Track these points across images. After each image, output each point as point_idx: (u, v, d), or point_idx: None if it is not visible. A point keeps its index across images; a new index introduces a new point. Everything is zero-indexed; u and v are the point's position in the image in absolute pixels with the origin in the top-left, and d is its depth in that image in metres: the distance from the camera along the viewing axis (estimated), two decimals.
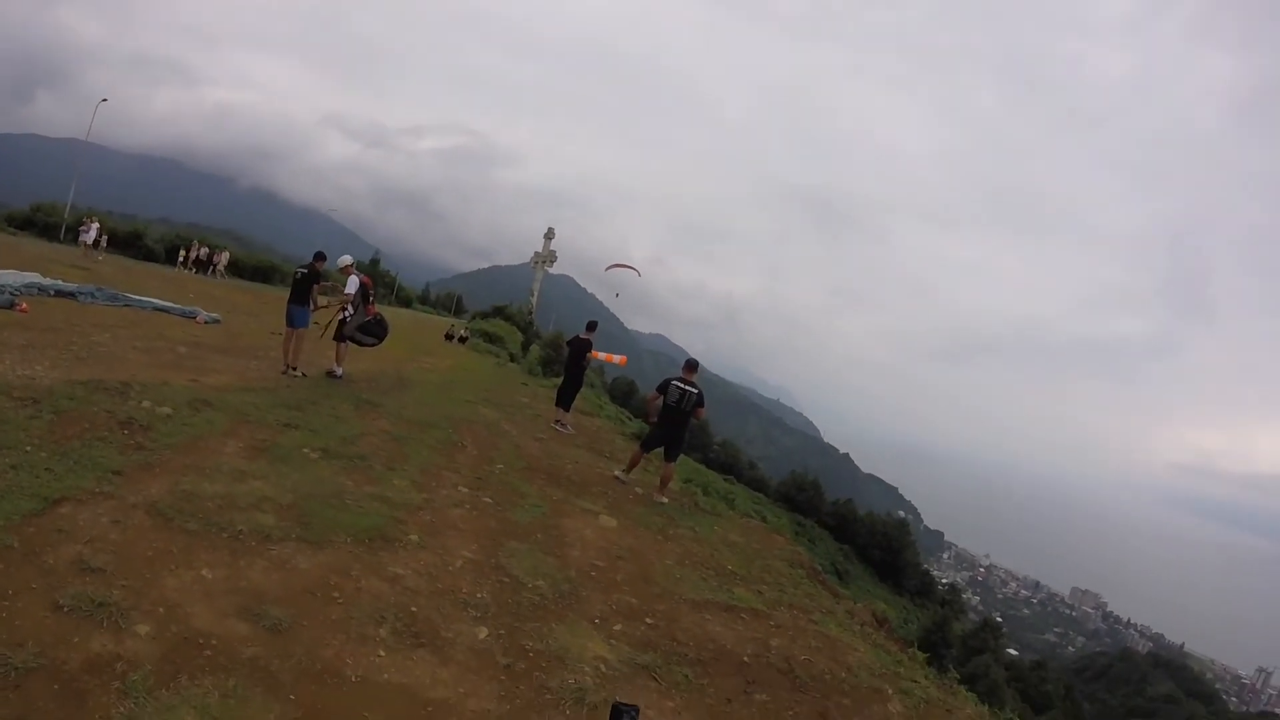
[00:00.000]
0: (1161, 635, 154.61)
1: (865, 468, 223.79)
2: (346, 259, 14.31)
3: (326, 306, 14.15)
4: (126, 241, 42.35)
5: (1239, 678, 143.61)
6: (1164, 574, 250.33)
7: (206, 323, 18.03)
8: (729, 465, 76.34)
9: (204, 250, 42.47)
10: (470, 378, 22.55)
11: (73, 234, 37.38)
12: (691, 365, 11.91)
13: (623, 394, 73.74)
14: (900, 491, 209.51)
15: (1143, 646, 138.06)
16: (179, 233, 50.39)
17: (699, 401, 11.51)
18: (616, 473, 12.09)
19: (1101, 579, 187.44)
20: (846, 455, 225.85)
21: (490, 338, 44.13)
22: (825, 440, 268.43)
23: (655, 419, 11.91)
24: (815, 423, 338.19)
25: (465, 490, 8.50)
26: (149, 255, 42.45)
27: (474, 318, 65.23)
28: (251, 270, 47.67)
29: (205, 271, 41.20)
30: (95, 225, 35.93)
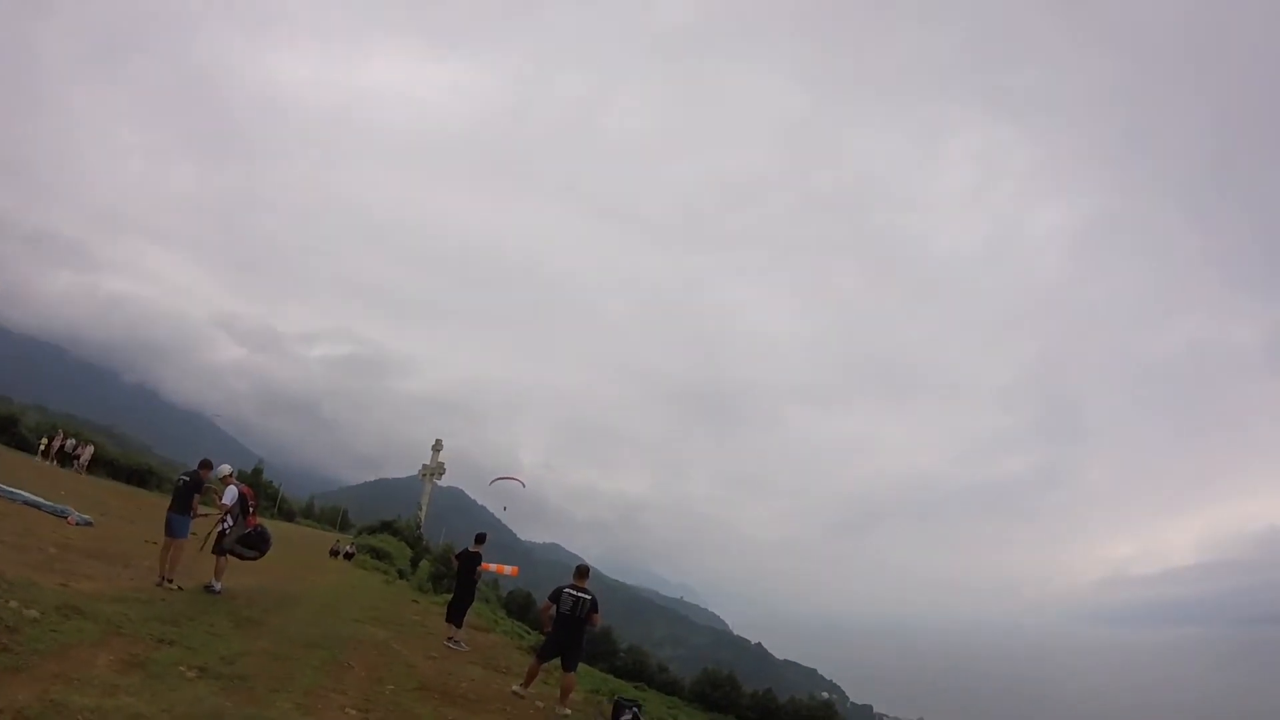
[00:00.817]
0: None
1: (779, 654, 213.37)
2: (226, 468, 13.94)
3: (205, 516, 13.60)
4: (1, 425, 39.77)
5: None
6: (1110, 693, 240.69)
7: (78, 524, 16.94)
8: (638, 671, 72.19)
9: (69, 441, 39.79)
10: (357, 595, 21.44)
11: None
12: (583, 571, 11.94)
13: (519, 606, 70.41)
14: (819, 672, 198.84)
15: None
16: (55, 422, 47.60)
17: (593, 607, 11.44)
18: (514, 688, 11.62)
19: (1050, 716, 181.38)
20: (759, 644, 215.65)
21: (378, 553, 42.24)
22: (735, 633, 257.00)
23: (550, 628, 11.69)
24: (722, 616, 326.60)
25: (353, 713, 8.02)
26: (22, 443, 39.61)
27: (360, 533, 62.63)
28: (128, 471, 44.91)
29: (68, 464, 38.34)
30: None
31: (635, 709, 7.05)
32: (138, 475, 45.63)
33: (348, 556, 37.23)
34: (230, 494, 13.36)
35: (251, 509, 13.89)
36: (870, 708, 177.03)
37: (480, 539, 16.23)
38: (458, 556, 16.57)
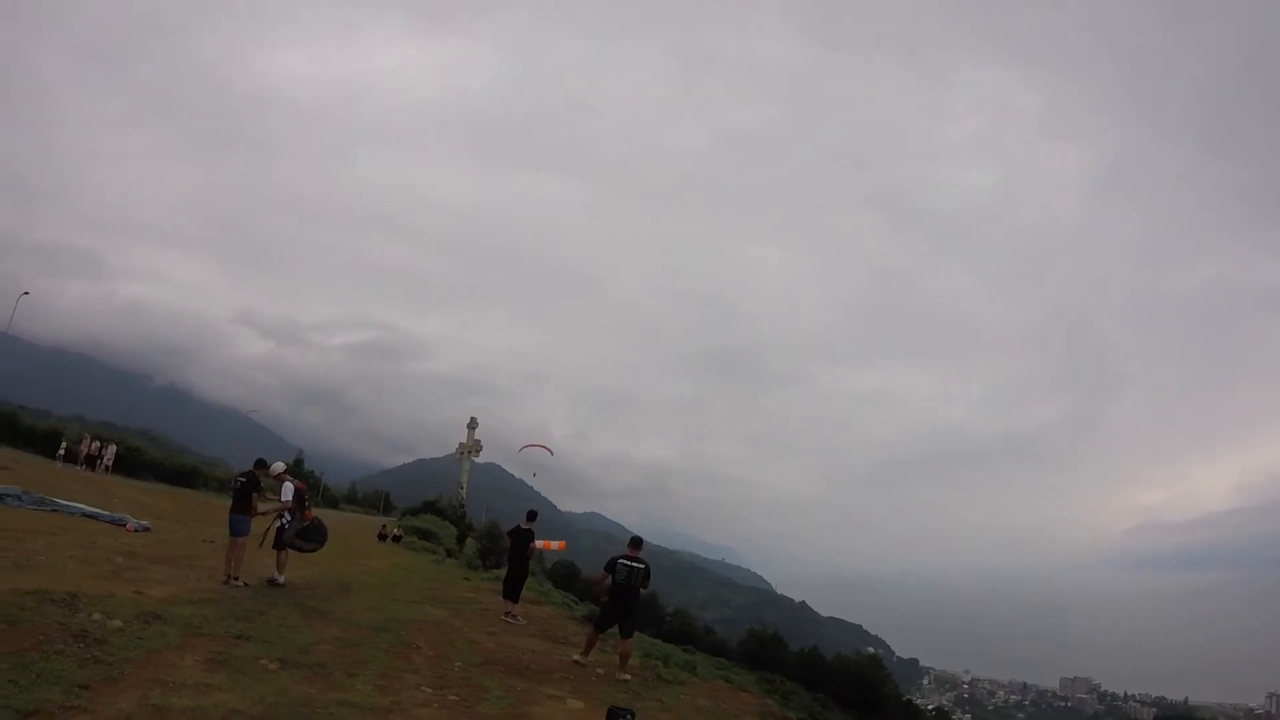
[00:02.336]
0: (1163, 697, 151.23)
1: (824, 612, 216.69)
2: (279, 465, 14.33)
3: (265, 514, 14.02)
4: (44, 439, 40.58)
5: (1251, 711, 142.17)
6: (1145, 637, 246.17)
7: (136, 530, 17.45)
8: (685, 634, 73.25)
9: (94, 444, 40.35)
10: (411, 577, 21.99)
11: None
12: (636, 542, 12.25)
13: (564, 578, 71.71)
14: (864, 628, 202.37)
15: (1147, 715, 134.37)
16: (94, 431, 48.54)
17: (646, 575, 11.76)
18: (575, 657, 12.01)
19: (1087, 662, 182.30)
20: (803, 603, 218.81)
21: (424, 534, 43.14)
22: (779, 592, 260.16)
23: (606, 598, 12.02)
24: (765, 576, 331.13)
25: (429, 690, 8.39)
26: (70, 457, 40.23)
27: (404, 515, 63.65)
28: (173, 473, 45.97)
29: (93, 467, 38.79)
30: None
31: (629, 715, 7.38)
32: (183, 476, 46.68)
33: (396, 539, 38.03)
34: (287, 490, 13.80)
35: (306, 503, 14.36)
36: (916, 661, 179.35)
37: (532, 516, 16.56)
38: (510, 534, 16.85)
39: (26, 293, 49.10)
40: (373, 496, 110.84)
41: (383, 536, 38.05)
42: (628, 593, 11.72)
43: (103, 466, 38.63)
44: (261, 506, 13.93)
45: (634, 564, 11.76)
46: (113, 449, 40.36)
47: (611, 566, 11.90)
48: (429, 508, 65.14)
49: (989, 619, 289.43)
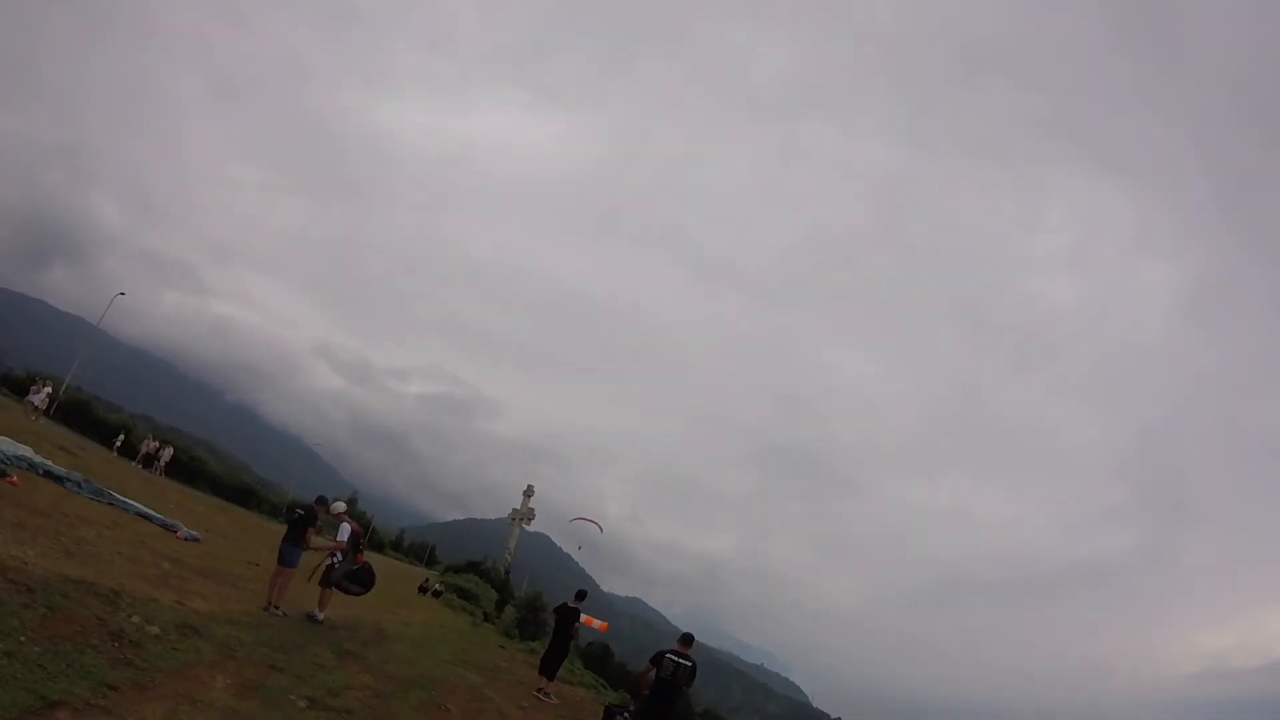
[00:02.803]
0: None
1: None
2: (340, 506, 14.13)
3: (318, 549, 13.75)
4: (112, 431, 41.68)
5: None
6: None
7: (186, 539, 17.36)
8: None
9: (154, 444, 40.95)
10: (447, 635, 21.35)
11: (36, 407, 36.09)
12: (687, 639, 11.46)
13: (597, 660, 69.58)
14: None
15: None
16: (161, 433, 49.79)
17: (692, 674, 10.93)
18: None
19: None
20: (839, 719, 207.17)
21: (464, 594, 42.39)
22: (815, 705, 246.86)
23: (647, 691, 11.21)
24: (802, 686, 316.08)
25: None
26: (132, 453, 41.01)
27: (447, 571, 63.05)
28: (230, 489, 46.65)
29: (149, 467, 39.28)
30: (47, 389, 35.48)
31: (624, 714, 6.69)
32: (239, 493, 47.28)
33: (436, 594, 37.39)
34: (344, 531, 13.54)
35: (360, 546, 14.06)
36: None
37: (581, 595, 16.03)
38: (556, 610, 16.27)
39: (122, 293, 51.20)
40: (419, 547, 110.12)
41: (423, 590, 37.46)
42: (670, 689, 10.91)
43: (159, 468, 39.31)
44: (315, 542, 13.70)
45: (681, 660, 10.97)
46: (169, 451, 41.04)
47: (658, 660, 11.12)
48: (473, 567, 64.39)
49: None
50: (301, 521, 13.39)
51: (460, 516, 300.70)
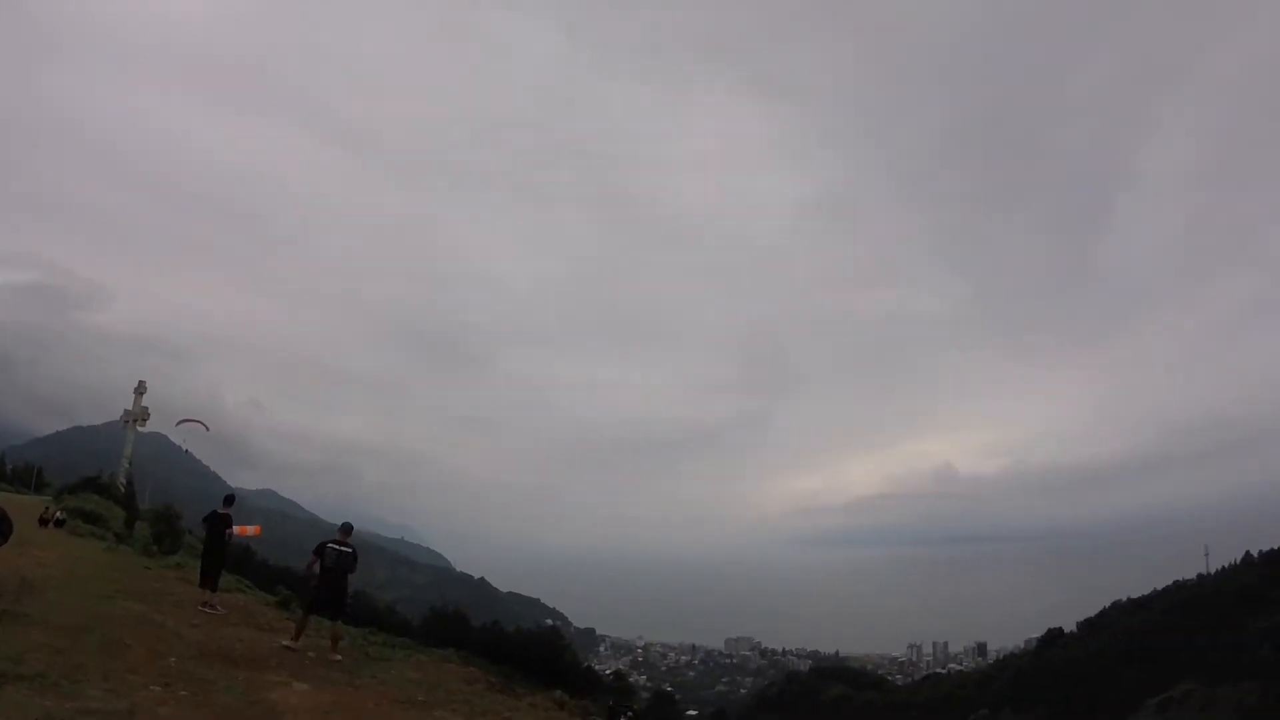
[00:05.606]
0: (817, 650, 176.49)
1: (504, 587, 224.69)
2: None
3: None
4: None
5: (895, 659, 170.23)
6: (801, 602, 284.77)
7: None
8: (367, 615, 72.90)
9: None
10: (90, 569, 20.64)
11: None
12: (346, 528, 13.67)
13: (237, 560, 67.93)
14: (543, 601, 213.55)
15: (803, 666, 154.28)
16: None
17: (354, 560, 13.24)
18: (285, 643, 13.09)
19: (751, 624, 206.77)
20: (482, 579, 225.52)
21: (89, 517, 39.03)
22: (458, 569, 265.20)
23: (315, 582, 13.26)
24: (445, 554, 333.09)
25: (159, 689, 9.16)
26: None
27: (62, 494, 56.10)
28: None
29: None
30: None
31: (628, 714, 9.14)
32: None
33: (59, 524, 34.21)
34: None
35: None
36: (593, 630, 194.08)
37: (229, 501, 16.82)
38: (206, 520, 16.87)
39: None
40: (23, 471, 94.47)
41: (44, 521, 33.96)
42: (336, 576, 13.06)
43: None
44: None
45: (343, 549, 13.12)
46: None
47: (321, 551, 13.11)
48: (91, 485, 58.04)
49: (662, 589, 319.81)
50: None
51: (64, 427, 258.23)
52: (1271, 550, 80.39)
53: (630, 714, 12.75)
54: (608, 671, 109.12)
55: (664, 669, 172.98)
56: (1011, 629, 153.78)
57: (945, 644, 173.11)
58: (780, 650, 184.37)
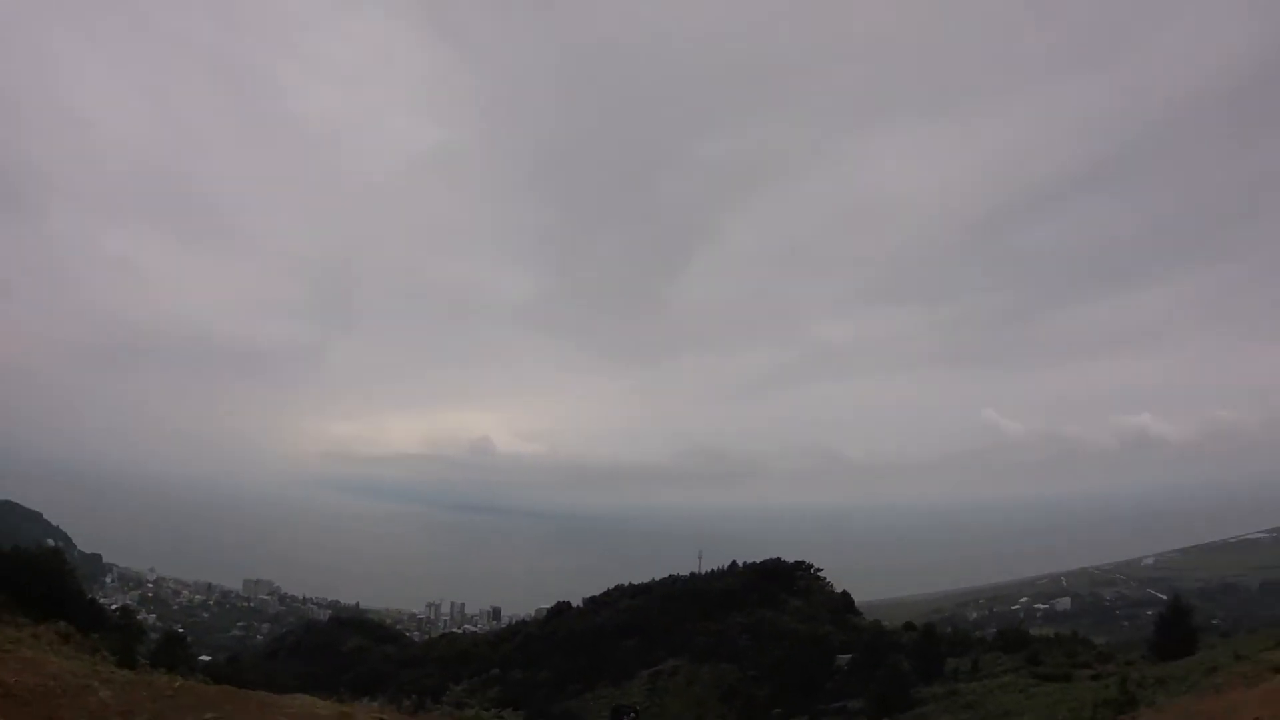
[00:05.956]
0: (337, 601, 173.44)
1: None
2: None
3: None
4: None
5: (415, 616, 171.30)
6: (325, 549, 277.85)
7: None
8: None
9: None
10: None
11: None
12: None
13: None
14: (45, 516, 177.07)
15: (323, 615, 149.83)
16: None
17: None
18: None
19: (271, 567, 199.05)
20: None
21: None
22: None
23: None
24: None
25: None
26: None
27: None
28: None
29: None
30: None
31: (632, 713, 6.41)
32: None
33: None
34: None
35: None
36: (100, 557, 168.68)
37: None
38: None
39: None
40: None
41: None
42: None
43: None
44: None
45: None
46: None
47: None
48: None
49: (181, 519, 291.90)
50: None
51: None
52: (753, 562, 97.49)
53: (634, 714, 10.65)
54: (114, 606, 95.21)
55: (176, 608, 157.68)
56: (525, 598, 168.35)
57: (463, 605, 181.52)
58: (301, 597, 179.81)
